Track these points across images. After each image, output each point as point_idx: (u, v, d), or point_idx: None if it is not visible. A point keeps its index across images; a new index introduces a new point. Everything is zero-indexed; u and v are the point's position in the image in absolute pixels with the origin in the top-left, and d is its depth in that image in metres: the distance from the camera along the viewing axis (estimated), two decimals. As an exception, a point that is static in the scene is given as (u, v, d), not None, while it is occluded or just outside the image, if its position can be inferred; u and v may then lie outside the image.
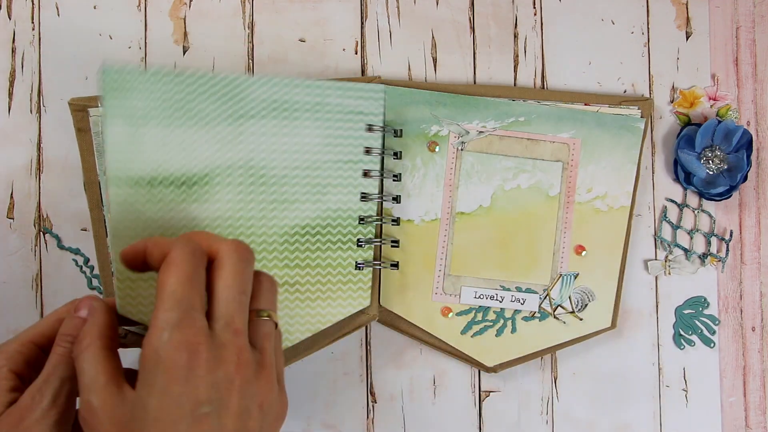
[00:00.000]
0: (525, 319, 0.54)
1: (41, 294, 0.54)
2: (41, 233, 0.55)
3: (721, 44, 0.57)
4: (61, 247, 0.54)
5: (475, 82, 0.56)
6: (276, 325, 0.38)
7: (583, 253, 0.54)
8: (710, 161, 0.55)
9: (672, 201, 0.57)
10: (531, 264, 0.54)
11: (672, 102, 0.57)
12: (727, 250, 0.57)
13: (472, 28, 0.57)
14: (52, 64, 0.55)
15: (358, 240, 0.50)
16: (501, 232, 0.54)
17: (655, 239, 0.57)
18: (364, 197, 0.51)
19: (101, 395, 0.34)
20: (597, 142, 0.54)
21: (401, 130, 0.53)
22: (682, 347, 0.56)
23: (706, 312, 0.56)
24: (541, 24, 0.57)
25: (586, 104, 0.55)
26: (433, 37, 0.56)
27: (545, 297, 0.54)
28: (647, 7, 0.57)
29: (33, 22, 0.55)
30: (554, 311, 0.54)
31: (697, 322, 0.56)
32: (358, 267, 0.50)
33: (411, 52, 0.56)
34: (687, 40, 0.57)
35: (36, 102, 0.55)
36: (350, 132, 0.50)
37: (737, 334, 0.57)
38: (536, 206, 0.54)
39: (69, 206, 0.55)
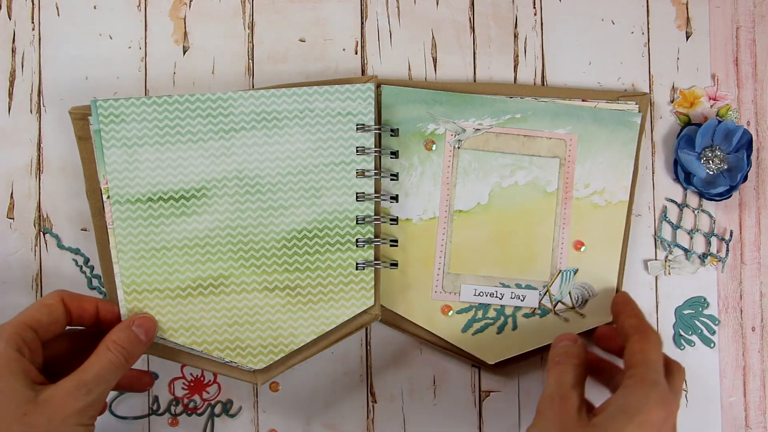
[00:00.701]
0: (525, 315, 0.54)
1: (41, 294, 0.54)
2: (41, 233, 0.55)
3: (721, 44, 0.57)
4: (61, 247, 0.54)
5: (474, 82, 0.56)
6: None
7: (582, 248, 0.54)
8: (710, 161, 0.55)
9: (672, 201, 0.57)
10: (530, 261, 0.54)
11: (672, 102, 0.57)
12: (727, 250, 0.57)
13: (472, 28, 0.57)
14: (52, 64, 0.55)
15: (356, 240, 0.51)
16: (499, 229, 0.54)
17: (655, 239, 0.57)
18: (360, 197, 0.51)
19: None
20: (594, 138, 0.54)
21: (398, 129, 0.53)
22: (682, 347, 0.56)
23: (706, 312, 0.56)
24: (541, 24, 0.57)
25: (584, 100, 0.55)
26: (433, 37, 0.57)
27: (545, 293, 0.54)
28: (647, 7, 0.57)
29: (33, 22, 0.55)
30: (554, 307, 0.54)
31: (697, 322, 0.56)
32: (358, 267, 0.50)
33: (411, 52, 0.56)
34: (687, 40, 0.57)
35: (36, 102, 0.55)
36: (340, 134, 0.51)
37: (737, 334, 0.57)
38: (534, 203, 0.54)
39: (69, 206, 0.55)
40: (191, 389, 0.55)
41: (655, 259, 0.57)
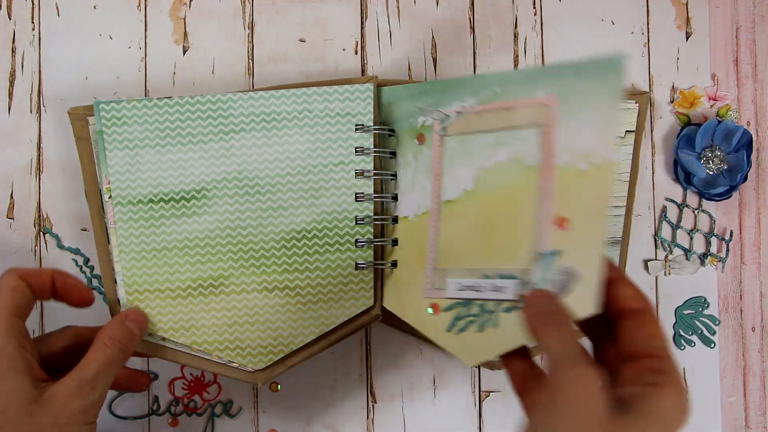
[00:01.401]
0: (506, 310, 0.46)
1: (41, 294, 0.54)
2: (41, 233, 0.55)
3: (721, 44, 0.57)
4: (61, 247, 0.54)
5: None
6: None
7: (567, 226, 0.44)
8: (710, 161, 0.55)
9: (672, 201, 0.57)
10: (514, 246, 0.46)
11: (672, 102, 0.57)
12: (727, 250, 0.57)
13: (472, 28, 0.57)
14: (52, 64, 0.55)
15: (356, 240, 0.51)
16: (485, 215, 0.48)
17: (655, 239, 0.57)
18: (359, 197, 0.51)
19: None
20: (574, 94, 0.45)
21: (395, 129, 0.53)
22: (682, 347, 0.56)
23: (706, 312, 0.56)
24: (541, 24, 0.57)
25: None
26: (433, 37, 0.57)
27: (523, 282, 0.45)
28: (647, 7, 0.57)
29: (33, 22, 0.55)
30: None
31: (697, 322, 0.56)
32: (358, 267, 0.50)
33: (411, 52, 0.56)
34: (687, 40, 0.57)
35: (36, 102, 0.55)
36: (339, 134, 0.51)
37: (737, 335, 0.57)
38: (517, 180, 0.46)
39: (69, 206, 0.55)
40: (191, 389, 0.55)
41: (655, 259, 0.57)
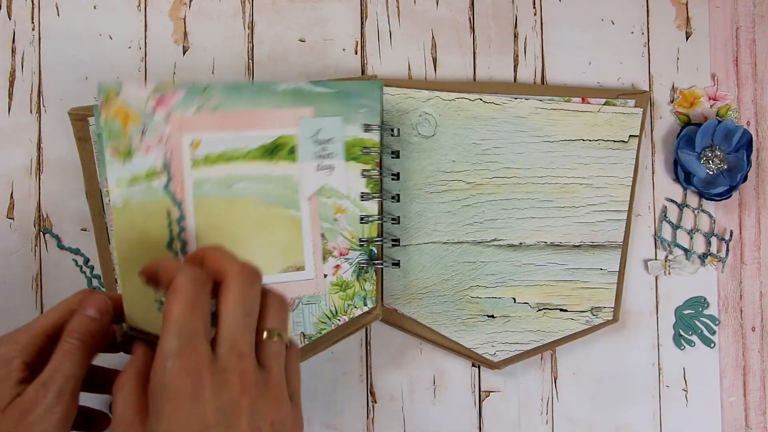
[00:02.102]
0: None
1: (41, 294, 0.54)
2: (41, 233, 0.55)
3: (721, 44, 0.57)
4: (61, 247, 0.54)
5: (474, 82, 0.56)
6: (290, 343, 0.39)
7: None
8: (710, 161, 0.55)
9: (672, 201, 0.57)
10: None
11: (672, 102, 0.57)
12: (727, 250, 0.57)
13: (472, 28, 0.57)
14: (52, 64, 0.55)
15: (360, 239, 0.50)
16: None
17: (655, 239, 0.57)
18: (364, 197, 0.51)
19: (125, 430, 0.35)
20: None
21: (399, 129, 0.53)
22: (682, 347, 0.56)
23: (706, 312, 0.56)
24: (541, 24, 0.57)
25: (583, 100, 0.55)
26: (433, 37, 0.56)
27: None
28: (647, 7, 0.57)
29: (33, 22, 0.55)
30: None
31: (697, 322, 0.56)
32: (361, 267, 0.50)
33: (411, 52, 0.56)
34: (687, 40, 0.57)
35: (36, 102, 0.55)
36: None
37: (737, 334, 0.57)
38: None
39: (69, 206, 0.55)
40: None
41: (655, 259, 0.57)
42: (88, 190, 0.52)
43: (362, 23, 0.56)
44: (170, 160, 0.47)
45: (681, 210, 0.57)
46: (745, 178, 0.55)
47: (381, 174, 0.52)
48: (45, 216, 0.55)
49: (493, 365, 0.55)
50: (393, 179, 0.53)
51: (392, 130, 0.53)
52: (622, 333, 0.56)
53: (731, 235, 0.57)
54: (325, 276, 0.50)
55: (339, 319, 0.50)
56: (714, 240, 0.57)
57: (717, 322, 0.56)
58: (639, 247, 0.56)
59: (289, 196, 0.49)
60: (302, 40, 0.56)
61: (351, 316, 0.50)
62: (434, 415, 0.56)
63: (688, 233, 0.57)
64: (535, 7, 0.57)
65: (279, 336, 0.38)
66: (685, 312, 0.56)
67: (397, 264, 0.53)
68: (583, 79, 0.57)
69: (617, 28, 0.57)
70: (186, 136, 0.48)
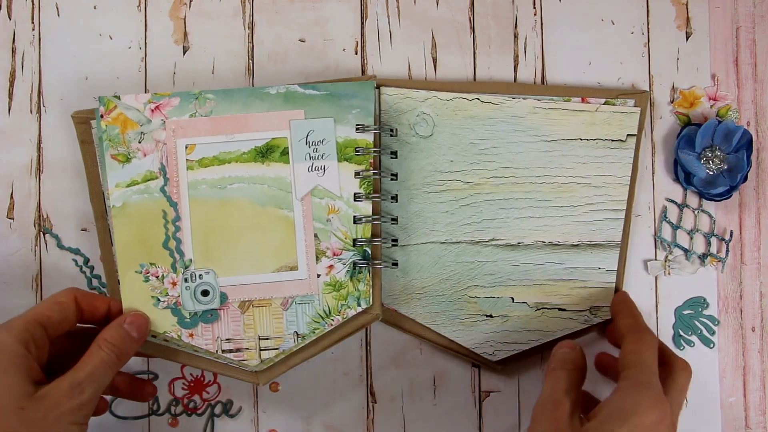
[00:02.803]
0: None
1: (41, 294, 0.54)
2: (41, 233, 0.55)
3: (721, 44, 0.57)
4: (61, 247, 0.54)
5: (474, 82, 0.56)
6: None
7: None
8: (710, 161, 0.55)
9: (672, 201, 0.57)
10: None
11: (672, 102, 0.57)
12: (727, 250, 0.57)
13: (472, 28, 0.57)
14: (52, 64, 0.55)
15: (354, 240, 0.51)
16: None
17: (655, 239, 0.57)
18: (358, 197, 0.51)
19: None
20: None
21: (397, 129, 0.53)
22: (682, 348, 0.56)
23: (705, 312, 0.56)
24: (541, 24, 0.57)
25: (583, 100, 0.55)
26: (433, 37, 0.56)
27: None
28: (647, 7, 0.57)
29: (33, 22, 0.55)
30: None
31: (696, 322, 0.56)
32: (356, 267, 0.50)
33: (411, 52, 0.56)
34: (687, 40, 0.57)
35: (36, 102, 0.55)
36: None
37: (737, 335, 0.57)
38: None
39: (69, 206, 0.55)
40: (191, 389, 0.55)
41: (655, 259, 0.57)
42: (91, 192, 0.52)
43: (362, 23, 0.56)
44: (166, 164, 0.50)
45: (681, 210, 0.57)
46: (745, 179, 0.55)
47: (380, 174, 0.52)
48: (45, 216, 0.55)
49: (491, 365, 0.55)
50: (392, 179, 0.53)
51: (390, 130, 0.53)
52: (621, 333, 0.56)
53: (731, 236, 0.57)
54: (319, 276, 0.50)
55: (332, 319, 0.50)
56: (714, 240, 0.57)
57: (717, 323, 0.56)
58: (639, 248, 0.56)
59: (282, 197, 0.50)
60: (302, 40, 0.56)
61: (345, 316, 0.50)
62: (434, 415, 0.56)
63: (688, 233, 0.57)
64: (535, 7, 0.57)
65: None
66: (685, 312, 0.56)
67: (395, 264, 0.53)
68: (583, 79, 0.57)
69: (617, 28, 0.57)
70: (181, 140, 0.50)
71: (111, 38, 0.56)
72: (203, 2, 0.56)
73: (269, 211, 0.50)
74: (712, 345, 0.56)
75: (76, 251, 0.54)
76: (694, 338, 0.56)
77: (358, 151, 0.50)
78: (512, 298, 0.54)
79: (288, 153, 0.50)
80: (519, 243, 0.54)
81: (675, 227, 0.57)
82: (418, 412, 0.56)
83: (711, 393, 0.56)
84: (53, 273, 0.54)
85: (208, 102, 0.50)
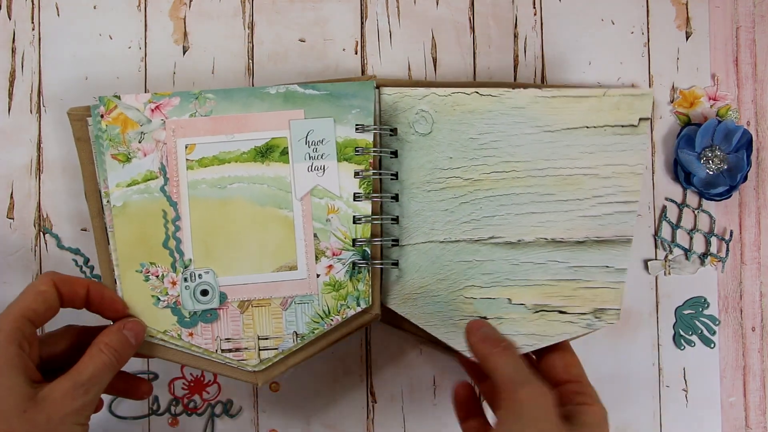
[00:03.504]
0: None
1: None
2: (41, 233, 0.55)
3: (721, 44, 0.57)
4: (61, 247, 0.54)
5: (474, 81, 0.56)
6: None
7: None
8: (710, 161, 0.55)
9: (672, 201, 0.57)
10: None
11: (672, 102, 0.57)
12: (727, 250, 0.57)
13: (472, 28, 0.57)
14: (52, 64, 0.55)
15: (353, 240, 0.50)
16: None
17: (655, 239, 0.57)
18: (357, 197, 0.51)
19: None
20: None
21: (397, 129, 0.53)
22: (682, 347, 0.56)
23: (706, 312, 0.56)
24: (541, 24, 0.57)
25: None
26: (433, 37, 0.57)
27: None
28: (647, 7, 0.57)
29: (33, 22, 0.55)
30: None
31: (697, 322, 0.56)
32: (355, 267, 0.50)
33: (411, 52, 0.56)
34: (687, 40, 0.57)
35: (36, 102, 0.55)
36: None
37: (737, 335, 0.57)
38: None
39: (69, 206, 0.55)
40: (191, 389, 0.55)
41: (655, 259, 0.57)
42: (87, 190, 0.52)
43: (362, 23, 0.56)
44: (166, 163, 0.50)
45: (681, 210, 0.57)
46: (745, 178, 0.55)
47: (380, 174, 0.52)
48: (45, 216, 0.55)
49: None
50: (392, 179, 0.53)
51: (390, 130, 0.53)
52: (622, 333, 0.56)
53: (731, 235, 0.57)
54: (318, 276, 0.50)
55: (332, 319, 0.50)
56: (714, 240, 0.57)
57: (717, 322, 0.56)
58: (639, 247, 0.56)
59: (282, 197, 0.50)
60: (302, 40, 0.56)
61: (344, 316, 0.50)
62: (434, 415, 0.56)
63: (688, 233, 0.56)
64: (535, 7, 0.57)
65: None
66: (685, 312, 0.56)
67: (395, 264, 0.53)
68: (583, 79, 0.57)
69: (617, 28, 0.57)
70: (181, 140, 0.50)
71: (111, 38, 0.56)
72: (203, 2, 0.56)
73: (269, 210, 0.50)
74: (712, 345, 0.56)
75: (76, 251, 0.55)
76: (694, 338, 0.56)
77: (357, 151, 0.50)
78: (509, 300, 0.52)
79: (288, 153, 0.50)
80: (519, 241, 0.53)
81: (675, 227, 0.57)
82: (418, 412, 0.56)
83: (711, 393, 0.56)
84: (53, 273, 0.54)
85: (208, 102, 0.50)
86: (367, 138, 0.51)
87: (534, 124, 0.51)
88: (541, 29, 0.57)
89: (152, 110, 0.50)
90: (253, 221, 0.50)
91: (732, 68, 0.57)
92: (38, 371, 0.43)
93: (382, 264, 0.51)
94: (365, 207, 0.51)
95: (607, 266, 0.52)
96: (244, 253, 0.50)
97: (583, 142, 0.51)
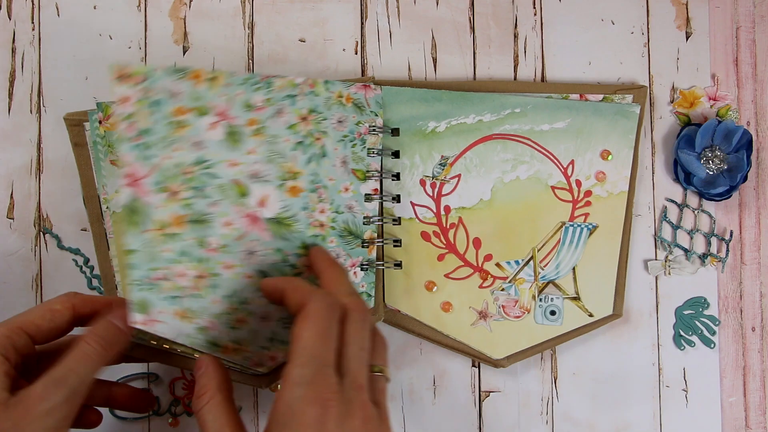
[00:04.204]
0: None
1: (41, 294, 0.54)
2: (41, 233, 0.55)
3: (721, 44, 0.57)
4: (61, 247, 0.54)
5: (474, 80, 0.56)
6: (388, 380, 0.40)
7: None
8: (710, 161, 0.55)
9: (672, 201, 0.57)
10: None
11: (672, 102, 0.57)
12: (727, 250, 0.57)
13: (472, 28, 0.57)
14: (52, 64, 0.55)
15: (362, 241, 0.51)
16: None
17: (655, 239, 0.57)
18: (368, 198, 0.51)
19: None
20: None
21: (398, 129, 0.53)
22: (682, 348, 0.56)
23: (706, 312, 0.56)
24: (541, 24, 0.57)
25: (581, 96, 0.55)
26: (433, 37, 0.56)
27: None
28: (647, 7, 0.57)
29: (33, 22, 0.55)
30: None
31: (697, 322, 0.56)
32: (363, 268, 0.50)
33: (411, 52, 0.56)
34: (687, 40, 0.57)
35: (36, 102, 0.55)
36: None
37: (737, 335, 0.57)
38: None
39: (69, 206, 0.55)
40: (191, 389, 0.55)
41: (655, 259, 0.57)
42: (85, 195, 0.52)
43: (362, 23, 0.56)
44: None
45: (681, 210, 0.57)
46: (745, 179, 0.55)
47: (381, 176, 0.52)
48: (45, 216, 0.55)
49: (494, 363, 0.54)
50: (393, 180, 0.53)
51: (391, 131, 0.53)
52: (622, 333, 0.56)
53: (731, 236, 0.57)
54: None
55: None
56: (714, 240, 0.57)
57: (717, 323, 0.56)
58: (639, 247, 0.56)
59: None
60: (302, 40, 0.56)
61: None
62: (434, 415, 0.56)
63: (688, 233, 0.57)
64: (535, 7, 0.57)
65: (381, 372, 0.39)
66: (685, 312, 0.56)
67: (398, 265, 0.53)
68: (583, 78, 0.57)
69: (617, 28, 0.57)
70: None
71: (111, 38, 0.55)
72: (203, 2, 0.56)
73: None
74: (712, 345, 0.56)
75: (76, 251, 0.54)
76: (694, 338, 0.56)
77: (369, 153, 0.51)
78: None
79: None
80: None
81: (675, 227, 0.57)
82: (418, 412, 0.56)
83: (711, 393, 0.56)
84: (53, 273, 0.54)
85: None
86: (374, 140, 0.51)
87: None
88: (541, 29, 0.57)
89: None
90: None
91: (732, 68, 0.57)
92: (25, 379, 0.40)
93: (385, 265, 0.52)
94: (373, 208, 0.51)
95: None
96: None
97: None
